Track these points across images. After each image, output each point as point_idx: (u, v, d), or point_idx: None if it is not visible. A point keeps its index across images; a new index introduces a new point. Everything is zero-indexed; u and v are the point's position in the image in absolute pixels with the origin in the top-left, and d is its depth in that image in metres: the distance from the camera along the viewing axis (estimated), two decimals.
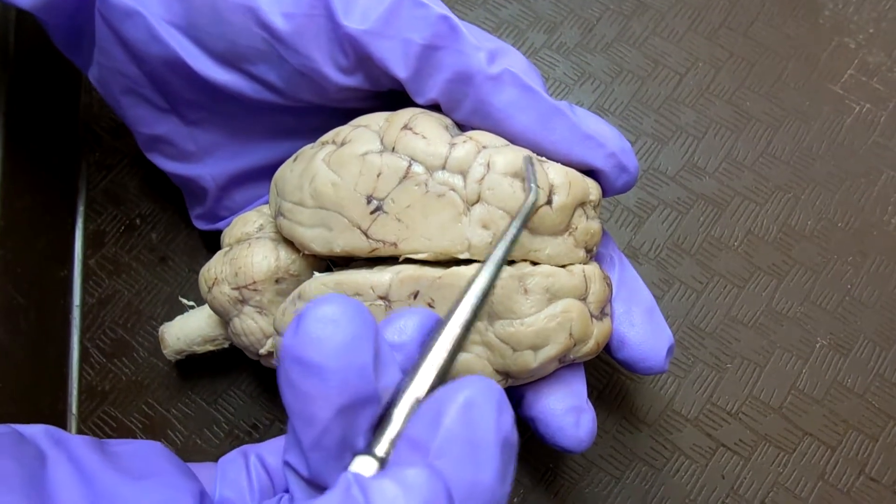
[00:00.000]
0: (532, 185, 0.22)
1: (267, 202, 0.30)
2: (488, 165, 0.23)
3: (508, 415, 0.17)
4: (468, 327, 0.19)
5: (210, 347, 0.29)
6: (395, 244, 0.23)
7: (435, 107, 0.25)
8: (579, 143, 0.24)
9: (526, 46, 0.37)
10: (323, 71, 0.25)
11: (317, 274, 0.25)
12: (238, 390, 0.32)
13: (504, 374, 0.23)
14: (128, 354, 0.32)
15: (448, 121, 0.25)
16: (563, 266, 0.24)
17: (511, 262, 0.23)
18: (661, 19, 0.38)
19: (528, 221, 0.22)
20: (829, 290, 0.33)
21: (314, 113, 0.27)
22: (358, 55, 0.25)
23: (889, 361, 0.32)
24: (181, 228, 0.34)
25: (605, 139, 0.24)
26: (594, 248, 0.25)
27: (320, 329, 0.17)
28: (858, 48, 0.37)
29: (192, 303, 0.30)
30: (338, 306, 0.17)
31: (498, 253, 0.20)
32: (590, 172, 0.25)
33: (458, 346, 0.18)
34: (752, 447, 0.31)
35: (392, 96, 0.26)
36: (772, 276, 0.33)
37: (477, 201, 0.23)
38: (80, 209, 0.35)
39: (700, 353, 0.32)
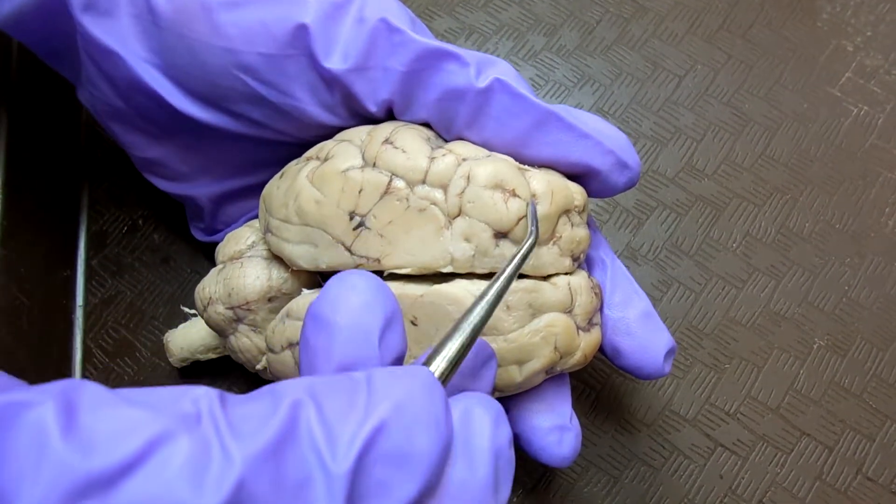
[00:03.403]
0: (532, 227, 0.22)
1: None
2: (468, 178, 0.23)
3: (505, 429, 0.18)
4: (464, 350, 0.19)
5: (212, 355, 0.30)
6: (378, 260, 0.23)
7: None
8: (576, 144, 0.24)
9: (526, 49, 0.37)
10: (306, 110, 0.25)
11: (305, 291, 0.25)
12: (237, 391, 0.32)
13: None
14: (130, 354, 0.33)
15: (430, 133, 0.25)
16: (549, 276, 0.24)
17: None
18: (661, 22, 0.38)
19: (525, 261, 0.21)
20: (826, 291, 0.33)
21: (300, 143, 0.27)
22: (342, 93, 0.24)
23: (886, 362, 0.32)
24: (183, 229, 0.34)
25: (603, 137, 0.24)
26: (581, 256, 0.25)
27: (340, 291, 0.18)
28: (856, 51, 0.37)
29: (193, 311, 0.30)
30: (362, 278, 0.18)
31: (490, 295, 0.20)
32: (592, 173, 0.25)
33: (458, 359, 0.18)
34: (749, 447, 0.31)
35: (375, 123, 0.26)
36: (770, 277, 0.34)
37: (458, 215, 0.23)
38: (84, 210, 0.35)
39: (698, 353, 0.32)
